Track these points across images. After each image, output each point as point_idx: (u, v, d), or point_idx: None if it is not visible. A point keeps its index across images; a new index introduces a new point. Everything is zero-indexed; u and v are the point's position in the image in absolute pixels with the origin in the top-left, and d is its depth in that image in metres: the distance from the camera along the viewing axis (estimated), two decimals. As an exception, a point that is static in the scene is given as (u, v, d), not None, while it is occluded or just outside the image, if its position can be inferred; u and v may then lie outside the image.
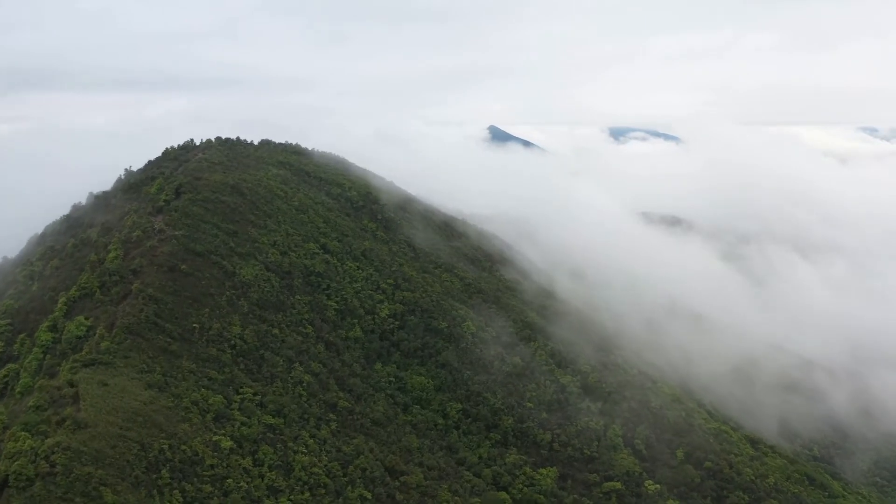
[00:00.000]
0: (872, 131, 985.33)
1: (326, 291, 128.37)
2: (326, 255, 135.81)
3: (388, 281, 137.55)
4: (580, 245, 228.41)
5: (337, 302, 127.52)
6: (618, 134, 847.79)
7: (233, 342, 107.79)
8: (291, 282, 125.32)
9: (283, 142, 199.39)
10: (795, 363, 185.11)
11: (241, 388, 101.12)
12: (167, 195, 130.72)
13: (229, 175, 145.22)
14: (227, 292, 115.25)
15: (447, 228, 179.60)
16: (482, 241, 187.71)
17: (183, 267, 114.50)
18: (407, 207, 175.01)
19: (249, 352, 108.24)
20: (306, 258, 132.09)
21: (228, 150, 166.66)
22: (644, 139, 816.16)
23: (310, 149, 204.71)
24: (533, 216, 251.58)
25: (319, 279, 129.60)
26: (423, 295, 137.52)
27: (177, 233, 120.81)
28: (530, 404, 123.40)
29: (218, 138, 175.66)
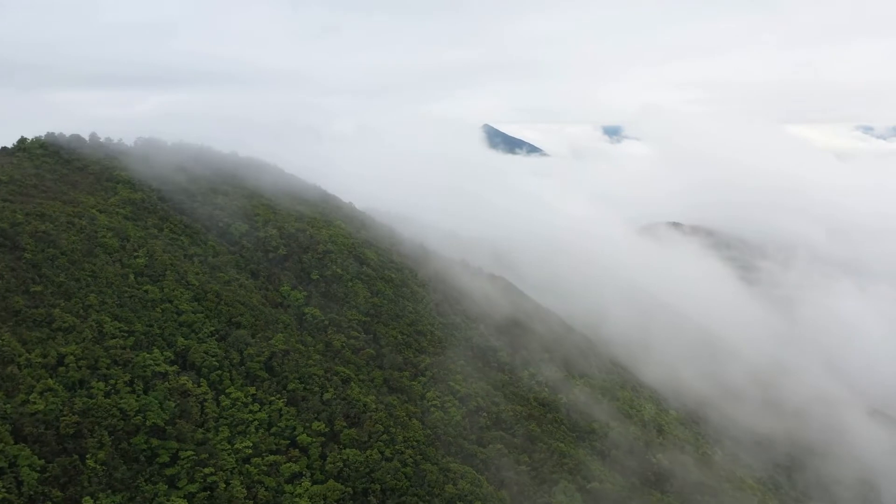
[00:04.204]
0: (868, 129, 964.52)
1: (171, 471, 58.58)
2: (185, 378, 65.47)
3: (319, 426, 67.80)
4: (579, 267, 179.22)
5: (190, 498, 57.75)
6: (612, 133, 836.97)
7: None
8: (81, 463, 55.19)
9: (180, 141, 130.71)
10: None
11: None
12: None
13: (9, 207, 74.70)
14: None
15: (438, 285, 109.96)
16: (478, 298, 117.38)
17: None
18: (366, 254, 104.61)
19: None
20: (134, 393, 61.73)
21: (55, 158, 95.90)
22: (639, 138, 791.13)
23: (228, 153, 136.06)
24: (520, 234, 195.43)
25: (158, 443, 59.54)
26: (387, 448, 68.23)
27: None
28: None
29: (50, 134, 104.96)
